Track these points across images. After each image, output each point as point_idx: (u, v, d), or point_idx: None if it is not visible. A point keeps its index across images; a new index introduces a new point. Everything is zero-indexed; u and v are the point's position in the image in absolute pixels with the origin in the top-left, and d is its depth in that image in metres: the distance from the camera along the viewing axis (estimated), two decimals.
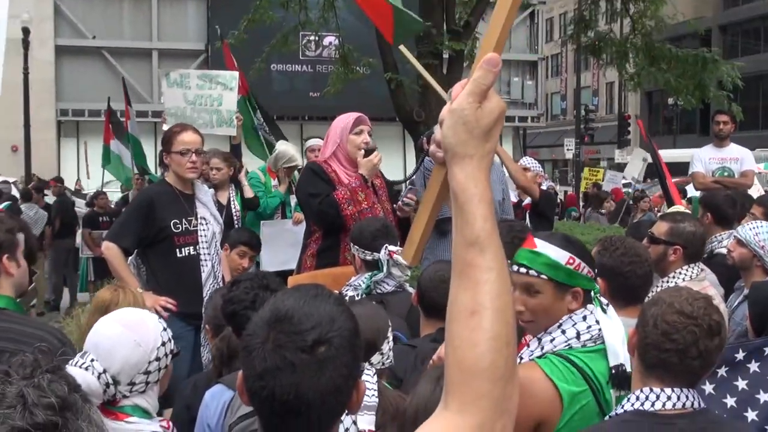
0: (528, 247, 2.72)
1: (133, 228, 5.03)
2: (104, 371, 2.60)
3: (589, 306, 2.69)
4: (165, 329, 2.79)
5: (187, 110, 8.08)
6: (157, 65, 32.37)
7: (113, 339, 2.65)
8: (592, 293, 2.73)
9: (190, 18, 33.17)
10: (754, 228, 4.56)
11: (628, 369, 2.61)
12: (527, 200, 8.06)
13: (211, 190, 6.01)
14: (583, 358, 2.60)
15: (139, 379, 2.67)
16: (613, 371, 2.62)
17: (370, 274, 4.09)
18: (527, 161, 8.20)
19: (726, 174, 8.43)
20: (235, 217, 7.40)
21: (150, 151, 22.72)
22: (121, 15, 32.66)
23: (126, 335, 2.67)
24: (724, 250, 5.13)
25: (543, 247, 2.68)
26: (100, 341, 2.66)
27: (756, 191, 8.67)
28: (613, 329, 2.66)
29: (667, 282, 4.21)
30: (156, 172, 13.13)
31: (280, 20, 13.92)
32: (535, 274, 2.67)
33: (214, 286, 5.10)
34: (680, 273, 4.24)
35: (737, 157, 8.52)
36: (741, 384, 3.13)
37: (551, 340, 2.66)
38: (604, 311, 2.71)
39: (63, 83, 30.94)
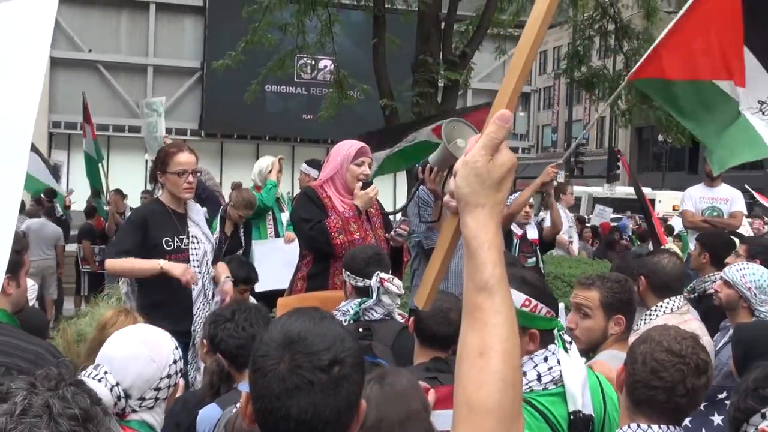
0: None
1: (130, 243, 5.06)
2: (117, 384, 2.62)
3: (551, 346, 2.64)
4: (177, 347, 2.82)
5: (146, 138, 8.20)
6: (151, 81, 32.44)
7: (128, 353, 2.68)
8: (555, 331, 2.68)
9: (187, 35, 33.29)
10: (741, 270, 4.63)
11: (586, 413, 2.60)
12: (531, 234, 8.08)
13: (204, 209, 6.04)
14: (544, 402, 2.56)
15: (149, 394, 2.69)
16: (572, 417, 2.59)
17: (359, 300, 4.11)
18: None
19: (715, 214, 8.51)
20: (242, 248, 7.51)
21: (141, 166, 22.78)
22: (118, 29, 32.75)
23: (141, 350, 2.69)
24: None
25: None
26: (115, 354, 2.68)
27: (744, 232, 8.76)
28: (573, 371, 2.61)
29: (649, 315, 4.30)
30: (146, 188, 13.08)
31: (278, 42, 14.02)
32: None
33: (204, 304, 5.12)
34: (661, 306, 4.33)
35: (727, 198, 8.61)
36: (717, 419, 3.19)
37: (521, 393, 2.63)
38: (566, 350, 2.66)
39: (56, 95, 30.94)
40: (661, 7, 14.49)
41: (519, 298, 2.55)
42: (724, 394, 3.24)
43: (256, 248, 7.57)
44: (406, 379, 2.52)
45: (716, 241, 6.12)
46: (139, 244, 5.05)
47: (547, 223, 8.38)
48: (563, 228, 11.40)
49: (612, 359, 3.18)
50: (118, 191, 13.05)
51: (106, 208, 12.83)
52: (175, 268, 4.94)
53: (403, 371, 2.63)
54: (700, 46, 5.09)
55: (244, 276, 5.64)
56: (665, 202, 32.18)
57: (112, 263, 5.10)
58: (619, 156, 29.62)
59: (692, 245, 7.85)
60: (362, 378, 1.71)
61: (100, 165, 11.85)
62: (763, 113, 5.16)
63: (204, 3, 32.39)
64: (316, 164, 8.19)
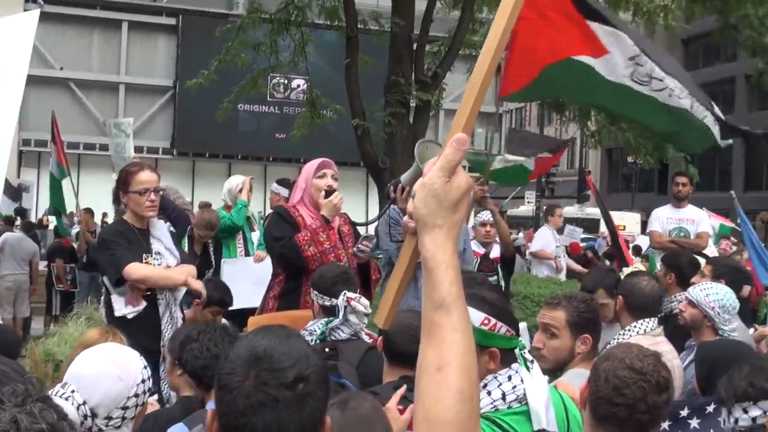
0: None
1: (124, 249, 5.04)
2: (84, 403, 2.62)
3: (514, 365, 2.65)
4: (146, 367, 2.82)
5: (114, 158, 8.20)
6: (123, 99, 32.33)
7: (96, 372, 2.68)
8: (517, 351, 2.69)
9: (159, 54, 33.24)
10: (705, 289, 4.70)
11: (550, 431, 2.62)
12: (494, 253, 8.15)
13: (167, 224, 6.04)
14: (509, 421, 2.56)
15: (116, 413, 2.68)
16: None
17: (326, 320, 4.12)
18: (486, 215, 8.33)
19: (682, 234, 8.63)
20: (212, 268, 7.50)
21: (112, 184, 22.60)
22: (90, 47, 32.64)
23: (109, 369, 2.69)
24: None
25: None
26: (83, 373, 2.68)
27: (710, 253, 8.88)
28: (536, 390, 2.63)
29: (622, 335, 4.34)
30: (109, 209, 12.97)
31: (251, 62, 14.05)
32: None
33: (170, 319, 5.11)
34: (635, 327, 4.37)
35: (693, 219, 8.74)
36: None
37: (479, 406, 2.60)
38: (528, 369, 2.67)
39: (27, 113, 30.71)
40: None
41: (478, 316, 2.57)
42: (685, 412, 3.29)
43: (225, 267, 7.57)
44: (369, 403, 2.52)
45: (682, 261, 6.20)
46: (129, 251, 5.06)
47: (522, 241, 8.49)
48: (551, 248, 11.51)
49: (579, 377, 3.21)
50: (89, 210, 12.99)
51: (76, 228, 12.74)
52: (195, 283, 5.11)
53: (368, 396, 2.62)
54: (545, 42, 5.04)
55: (218, 298, 5.61)
56: (630, 222, 32.78)
57: (133, 273, 4.98)
58: (586, 176, 29.90)
59: (659, 265, 7.95)
60: (327, 395, 1.73)
61: (70, 183, 11.77)
62: (640, 81, 5.12)
63: (177, 22, 32.40)
64: (286, 183, 8.23)
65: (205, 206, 8.68)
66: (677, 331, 5.04)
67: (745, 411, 2.25)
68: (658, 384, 2.60)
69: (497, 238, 8.18)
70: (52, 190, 12.21)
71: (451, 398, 1.45)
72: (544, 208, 13.90)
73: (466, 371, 1.47)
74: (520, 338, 2.71)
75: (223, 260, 7.73)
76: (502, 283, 7.45)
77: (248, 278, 7.14)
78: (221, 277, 7.41)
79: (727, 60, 43.31)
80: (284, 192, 8.05)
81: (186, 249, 7.34)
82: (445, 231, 1.52)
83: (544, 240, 11.76)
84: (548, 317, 3.80)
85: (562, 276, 11.45)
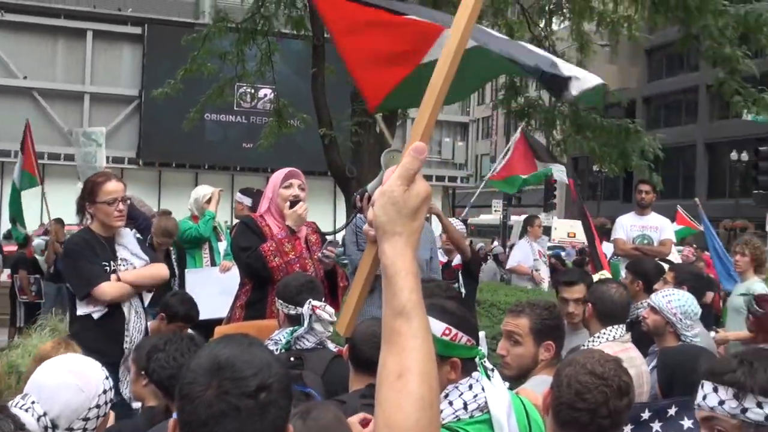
0: None
1: (94, 266, 5.01)
2: (44, 414, 2.60)
3: (474, 374, 2.63)
4: (107, 377, 2.81)
5: (80, 167, 8.15)
6: (88, 109, 32.04)
7: (57, 383, 2.66)
8: (477, 359, 2.68)
9: (124, 63, 32.99)
10: (666, 296, 4.76)
11: None
12: (456, 260, 8.18)
13: (133, 231, 6.01)
14: (471, 430, 2.54)
15: (77, 425, 2.67)
16: None
17: (291, 329, 4.12)
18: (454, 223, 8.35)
19: (645, 242, 8.74)
20: (174, 276, 7.46)
21: (76, 195, 22.37)
22: (54, 56, 32.31)
23: (70, 380, 2.68)
24: None
25: None
26: (43, 384, 2.67)
27: (674, 260, 8.99)
28: (498, 398, 2.61)
29: (592, 342, 4.38)
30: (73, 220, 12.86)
31: (217, 71, 14.01)
32: None
33: (137, 323, 5.09)
34: (604, 333, 4.41)
35: (657, 226, 8.85)
36: None
37: (439, 413, 2.58)
38: (489, 378, 2.66)
39: None
40: (594, 39, 14.84)
41: (439, 326, 2.55)
42: (646, 414, 3.33)
43: (189, 277, 7.54)
44: (332, 413, 2.51)
45: (647, 268, 6.26)
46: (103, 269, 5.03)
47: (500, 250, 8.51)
48: (528, 262, 11.49)
49: (542, 384, 3.24)
50: (59, 220, 12.86)
51: (37, 240, 12.56)
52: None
53: (330, 406, 2.62)
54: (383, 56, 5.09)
55: (184, 313, 5.58)
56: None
57: (103, 293, 4.96)
58: (555, 185, 30.13)
59: (624, 272, 8.03)
60: (289, 403, 1.73)
61: (42, 193, 11.69)
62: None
63: (142, 31, 32.19)
64: (250, 192, 8.23)
65: (164, 214, 8.64)
66: (643, 337, 5.10)
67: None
68: (619, 389, 2.63)
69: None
70: (12, 197, 12.11)
71: (411, 405, 1.46)
72: (524, 218, 13.89)
73: (426, 378, 1.49)
74: (480, 347, 2.73)
75: (186, 270, 7.70)
76: (462, 291, 7.45)
77: (213, 288, 7.11)
78: (185, 286, 7.39)
79: (690, 70, 43.89)
80: (247, 201, 8.06)
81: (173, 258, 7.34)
82: (404, 238, 1.53)
83: (521, 254, 11.68)
84: (512, 324, 3.83)
85: (545, 287, 11.39)
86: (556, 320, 3.87)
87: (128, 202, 5.42)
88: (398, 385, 1.47)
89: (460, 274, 7.64)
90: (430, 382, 1.49)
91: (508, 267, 12.19)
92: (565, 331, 5.35)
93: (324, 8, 4.75)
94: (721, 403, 1.97)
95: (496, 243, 22.14)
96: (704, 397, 2.00)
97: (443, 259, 7.77)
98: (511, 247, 25.13)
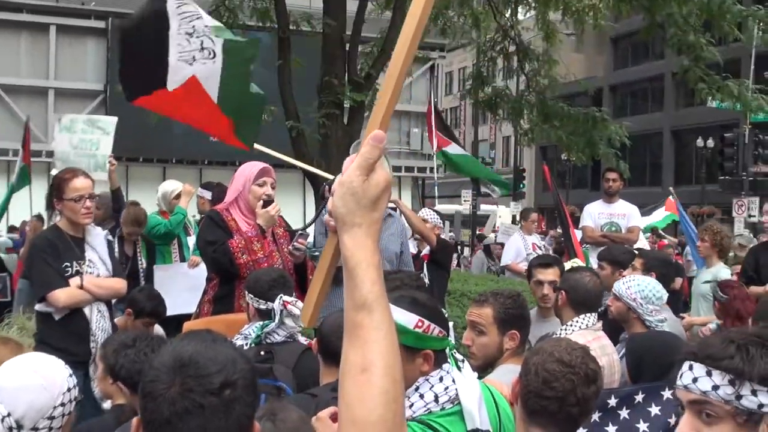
0: None
1: (53, 269, 4.95)
2: (8, 414, 2.56)
3: (445, 366, 2.64)
4: (71, 375, 2.78)
5: (71, 155, 8.03)
6: (53, 104, 31.68)
7: (20, 383, 2.63)
8: (447, 350, 2.69)
9: (89, 57, 32.63)
10: (626, 282, 4.79)
11: (483, 429, 2.62)
12: (425, 251, 8.17)
13: (105, 232, 5.96)
14: (443, 423, 2.55)
15: (42, 424, 2.64)
16: None
17: (261, 323, 4.10)
18: (426, 213, 8.34)
19: (614, 229, 8.79)
20: (140, 271, 7.37)
21: (43, 191, 22.12)
22: (17, 51, 31.89)
23: (33, 379, 2.64)
24: None
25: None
26: (6, 384, 2.63)
27: (642, 246, 9.06)
28: (468, 389, 2.62)
29: (564, 330, 4.40)
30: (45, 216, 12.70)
31: None
32: None
33: (100, 324, 5.04)
34: (576, 321, 4.42)
35: (624, 213, 8.92)
36: (611, 430, 3.29)
37: (410, 406, 2.56)
38: (460, 369, 2.67)
39: None
40: (559, 29, 14.90)
41: (411, 319, 2.56)
42: (613, 401, 3.35)
43: (157, 273, 7.48)
44: (296, 414, 2.50)
45: (622, 256, 6.27)
46: (58, 269, 4.96)
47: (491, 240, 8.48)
48: (521, 258, 11.39)
49: (508, 374, 3.25)
50: (39, 217, 12.67)
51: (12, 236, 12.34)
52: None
53: (291, 406, 2.60)
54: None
55: (151, 309, 5.54)
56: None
57: (57, 299, 4.91)
58: (524, 175, 30.32)
59: (592, 260, 8.08)
60: (255, 400, 1.72)
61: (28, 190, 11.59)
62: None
63: (106, 25, 31.85)
64: (210, 186, 8.20)
65: (132, 204, 8.56)
66: (615, 325, 5.12)
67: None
68: (586, 376, 2.65)
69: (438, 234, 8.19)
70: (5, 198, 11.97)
71: (376, 399, 1.45)
72: (520, 211, 13.80)
73: (390, 372, 1.47)
74: (449, 338, 2.73)
75: (155, 266, 7.64)
76: (426, 281, 7.44)
77: (182, 284, 7.07)
78: (154, 282, 7.33)
79: (656, 58, 44.25)
80: (207, 195, 8.05)
81: (116, 250, 7.24)
82: (364, 229, 1.51)
83: (514, 251, 11.41)
84: (475, 314, 3.84)
85: None
86: (519, 309, 3.87)
87: (96, 199, 5.36)
88: (362, 379, 1.46)
89: (425, 264, 7.62)
90: (394, 375, 1.48)
91: (502, 264, 12.07)
92: (536, 318, 5.39)
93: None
94: (716, 387, 1.95)
95: (492, 235, 22.07)
96: (694, 380, 1.98)
97: (413, 250, 7.75)
98: (480, 238, 25.22)
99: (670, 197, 14.44)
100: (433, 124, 13.14)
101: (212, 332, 1.78)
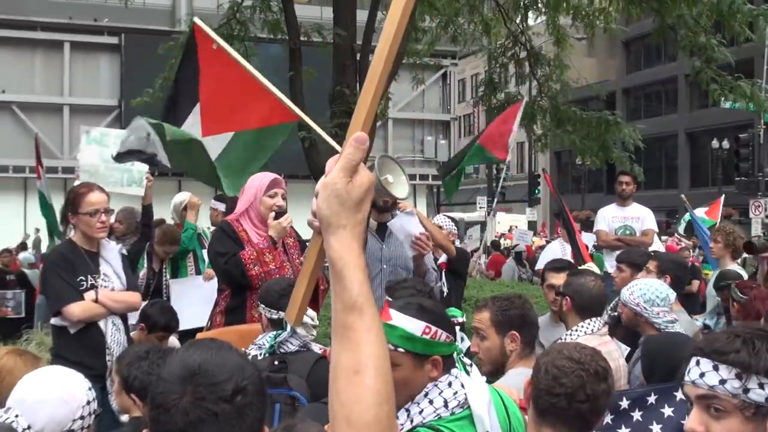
0: (384, 320, 2.55)
1: (67, 283, 4.99)
2: (29, 427, 2.59)
3: (453, 370, 2.65)
4: (90, 388, 2.80)
5: (100, 168, 8.05)
6: (68, 121, 31.90)
7: (40, 395, 2.65)
8: (455, 355, 2.70)
9: (102, 73, 32.89)
10: (629, 288, 4.77)
11: None
12: (442, 258, 8.14)
13: (119, 246, 5.99)
14: (453, 428, 2.56)
15: None
16: None
17: (274, 333, 4.12)
18: (441, 220, 8.31)
19: (628, 232, 8.77)
20: (164, 287, 7.41)
21: (59, 207, 22.18)
22: (32, 69, 32.19)
23: (53, 392, 2.67)
24: None
25: (398, 319, 2.61)
26: (26, 396, 2.66)
27: (657, 249, 9.02)
28: (477, 393, 2.62)
29: (570, 335, 4.38)
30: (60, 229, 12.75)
31: None
32: (392, 347, 2.52)
33: (115, 337, 5.07)
34: (582, 326, 4.40)
35: (638, 216, 8.89)
36: None
37: (420, 412, 2.57)
38: (468, 373, 2.68)
39: None
40: (570, 33, 14.89)
41: (419, 326, 2.58)
42: (625, 403, 3.34)
43: (174, 286, 7.50)
44: (315, 428, 2.50)
45: (641, 259, 6.23)
46: (73, 284, 5.00)
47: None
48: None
49: (518, 377, 3.26)
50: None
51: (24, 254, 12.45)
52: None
53: (311, 422, 2.60)
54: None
55: (164, 323, 5.56)
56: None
57: (72, 313, 4.94)
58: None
59: (608, 264, 8.05)
60: (264, 404, 1.73)
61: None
62: None
63: (119, 41, 32.10)
64: (224, 199, 8.23)
65: (160, 223, 8.60)
66: (632, 331, 5.09)
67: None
68: (596, 373, 2.66)
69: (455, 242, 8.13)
70: (43, 211, 12.01)
71: (370, 400, 1.47)
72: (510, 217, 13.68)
73: (381, 372, 1.50)
74: (457, 343, 2.74)
75: (171, 280, 7.67)
76: (445, 290, 7.42)
77: (198, 297, 7.07)
78: (170, 296, 7.36)
79: (668, 60, 44.12)
80: (221, 207, 8.08)
81: (145, 265, 7.28)
82: (349, 231, 1.53)
83: (552, 257, 11.20)
84: (477, 320, 3.88)
85: None
86: (518, 309, 3.86)
87: (111, 213, 5.39)
88: (356, 380, 1.48)
89: (443, 273, 7.58)
90: (385, 375, 1.51)
91: (538, 269, 11.97)
92: (549, 323, 5.38)
93: (202, 44, 4.93)
94: (723, 382, 1.96)
95: (519, 242, 21.97)
96: (702, 375, 1.99)
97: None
98: (495, 246, 25.14)
99: (720, 200, 14.23)
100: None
101: (216, 340, 1.79)
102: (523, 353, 3.77)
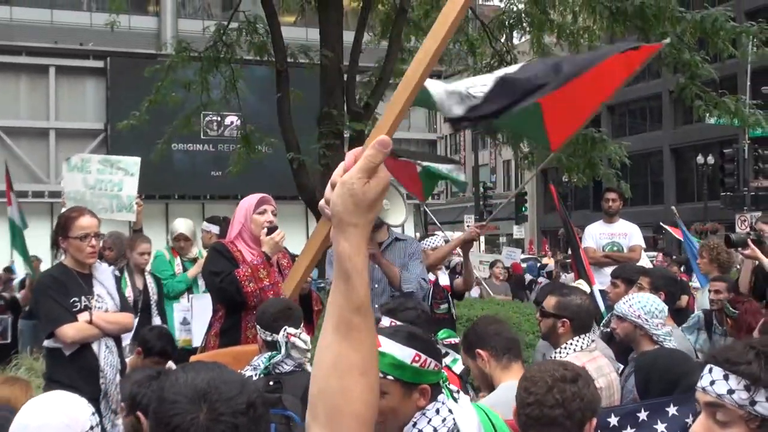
0: None
1: (59, 305, 4.97)
2: None
3: (440, 397, 2.64)
4: (94, 413, 2.80)
5: (86, 195, 8.05)
6: (54, 145, 31.82)
7: (43, 420, 2.64)
8: (441, 382, 2.68)
9: (88, 97, 32.83)
10: (627, 301, 4.78)
11: None
12: (444, 280, 8.08)
13: (112, 267, 5.96)
14: None
15: None
16: None
17: (269, 354, 4.13)
18: (439, 240, 8.23)
19: (615, 249, 8.79)
20: (153, 303, 7.37)
21: (46, 232, 22.19)
22: (17, 93, 32.10)
23: (56, 417, 2.66)
24: None
25: (387, 346, 2.57)
26: (29, 422, 2.65)
27: (645, 265, 9.04)
28: (466, 418, 2.61)
29: (559, 353, 4.37)
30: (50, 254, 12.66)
31: (182, 100, 13.98)
32: (381, 375, 2.47)
33: (108, 358, 5.04)
34: (571, 344, 4.39)
35: (626, 233, 8.92)
36: None
37: None
38: (455, 399, 2.66)
39: None
40: (555, 52, 14.99)
41: (408, 353, 2.57)
42: (615, 420, 3.34)
43: (195, 302, 7.43)
44: None
45: (636, 275, 6.25)
46: (66, 305, 4.98)
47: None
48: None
49: (509, 390, 3.27)
50: (36, 258, 12.69)
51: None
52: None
53: None
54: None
55: (160, 348, 5.53)
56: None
57: (66, 335, 4.91)
58: (525, 198, 30.31)
59: (597, 280, 8.06)
60: (269, 417, 1.79)
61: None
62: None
63: (105, 64, 32.07)
64: (216, 221, 8.24)
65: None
66: (624, 347, 5.10)
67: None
68: (563, 377, 2.72)
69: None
70: (15, 238, 11.97)
71: (373, 400, 1.56)
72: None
73: (377, 373, 1.60)
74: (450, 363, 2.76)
75: (192, 296, 7.63)
76: (454, 311, 7.43)
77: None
78: (191, 312, 7.35)
79: (652, 77, 44.40)
80: (215, 229, 8.07)
81: (128, 283, 7.23)
82: (360, 230, 1.57)
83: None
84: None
85: None
86: (476, 328, 3.99)
87: (101, 238, 5.39)
88: (363, 381, 1.55)
89: (449, 295, 7.55)
90: (378, 375, 1.61)
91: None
92: (547, 345, 5.38)
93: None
94: (731, 392, 1.98)
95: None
96: (712, 383, 2.01)
97: (431, 277, 7.63)
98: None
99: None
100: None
101: (206, 362, 1.85)
102: (501, 363, 3.82)
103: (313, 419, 1.56)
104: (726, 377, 2.00)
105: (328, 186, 1.60)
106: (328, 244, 1.70)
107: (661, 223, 12.57)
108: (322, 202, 1.62)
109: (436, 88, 5.47)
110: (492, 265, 16.22)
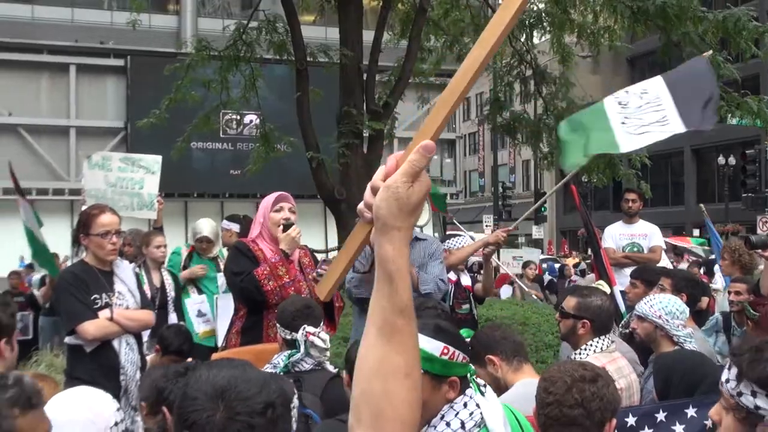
0: None
1: (80, 302, 5.00)
2: None
3: (468, 391, 2.64)
4: (118, 409, 2.81)
5: (107, 192, 8.08)
6: (74, 143, 32.04)
7: (68, 416, 2.66)
8: (469, 376, 2.69)
9: (109, 95, 33.04)
10: (648, 302, 4.75)
11: None
12: (466, 281, 8.05)
13: (132, 265, 5.99)
14: None
15: None
16: None
17: (288, 353, 4.14)
18: (466, 240, 8.17)
19: (635, 249, 8.75)
20: (170, 300, 7.39)
21: (66, 229, 22.32)
22: (38, 91, 32.35)
23: (81, 413, 2.68)
24: None
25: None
26: (55, 417, 2.65)
27: (665, 266, 8.99)
28: (493, 413, 2.61)
29: (579, 354, 4.35)
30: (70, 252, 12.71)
31: (202, 99, 14.02)
32: None
33: (129, 355, 5.06)
34: (591, 345, 4.36)
35: (646, 233, 8.87)
36: None
37: None
38: (483, 393, 2.67)
39: None
40: (575, 51, 14.94)
41: (437, 346, 2.58)
42: (632, 420, 3.32)
43: (220, 302, 7.47)
44: None
45: (657, 276, 6.22)
46: (87, 302, 5.01)
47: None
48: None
49: (527, 387, 3.27)
50: (55, 255, 12.75)
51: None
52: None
53: None
54: None
55: (177, 347, 5.55)
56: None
57: (87, 331, 4.94)
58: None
59: (617, 281, 8.01)
60: (291, 417, 1.78)
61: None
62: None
63: (125, 63, 32.27)
64: (236, 219, 8.24)
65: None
66: (644, 347, 5.07)
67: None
68: (582, 377, 2.72)
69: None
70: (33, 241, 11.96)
71: (417, 403, 1.55)
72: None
73: (420, 377, 1.60)
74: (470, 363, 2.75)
75: (218, 296, 7.66)
76: (475, 312, 7.41)
77: None
78: (216, 311, 7.36)
79: None
80: (235, 227, 8.07)
81: (146, 280, 7.26)
82: (403, 234, 1.57)
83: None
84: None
85: None
86: (480, 336, 4.02)
87: (122, 235, 5.42)
88: (407, 383, 1.54)
89: (471, 296, 7.52)
90: (420, 377, 1.61)
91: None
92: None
93: None
94: (727, 381, 2.06)
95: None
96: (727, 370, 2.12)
97: (452, 277, 7.59)
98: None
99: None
100: None
101: (234, 360, 1.86)
102: (512, 366, 3.83)
103: (357, 422, 1.55)
104: (729, 367, 2.10)
105: (368, 190, 1.60)
106: (364, 246, 1.68)
107: (702, 207, 12.42)
108: (361, 206, 1.62)
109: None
110: (525, 265, 16.22)
